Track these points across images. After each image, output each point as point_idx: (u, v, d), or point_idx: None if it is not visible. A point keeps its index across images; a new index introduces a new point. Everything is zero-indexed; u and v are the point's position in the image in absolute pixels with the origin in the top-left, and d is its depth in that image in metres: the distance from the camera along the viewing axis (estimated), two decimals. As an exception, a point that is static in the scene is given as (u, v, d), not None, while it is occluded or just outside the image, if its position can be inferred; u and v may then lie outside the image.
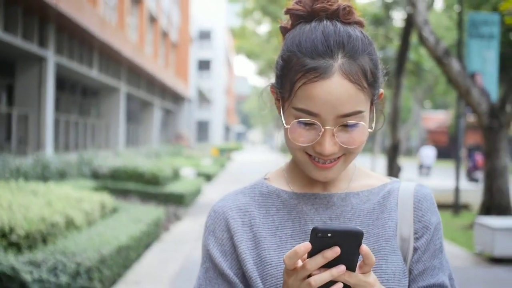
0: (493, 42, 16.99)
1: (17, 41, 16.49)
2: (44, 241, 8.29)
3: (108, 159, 19.13)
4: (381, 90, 1.62)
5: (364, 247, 1.32)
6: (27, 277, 7.05)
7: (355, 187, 1.69)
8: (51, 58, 18.86)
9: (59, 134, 22.39)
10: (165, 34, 44.76)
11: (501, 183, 14.29)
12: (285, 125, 1.55)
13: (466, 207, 19.15)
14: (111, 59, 26.67)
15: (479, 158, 29.76)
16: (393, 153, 22.39)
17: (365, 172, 1.75)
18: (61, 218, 8.86)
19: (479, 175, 28.83)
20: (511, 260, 10.97)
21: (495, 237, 10.98)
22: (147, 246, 11.47)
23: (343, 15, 1.56)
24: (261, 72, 70.00)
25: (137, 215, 11.75)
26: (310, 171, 1.57)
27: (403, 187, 1.70)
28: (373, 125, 1.59)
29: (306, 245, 1.30)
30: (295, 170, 1.71)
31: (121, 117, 29.74)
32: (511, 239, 11.01)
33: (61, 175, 15.95)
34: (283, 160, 64.26)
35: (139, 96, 34.90)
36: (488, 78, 16.50)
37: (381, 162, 31.66)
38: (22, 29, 17.06)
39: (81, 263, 7.46)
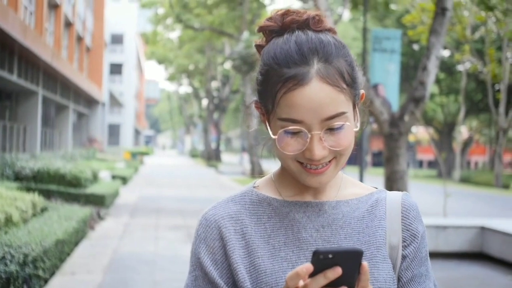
0: (394, 55, 18.29)
1: None
2: (-13, 235, 9.07)
3: (29, 162, 19.60)
4: (362, 91, 1.63)
5: (365, 266, 1.34)
6: (-20, 266, 7.89)
7: (344, 195, 1.70)
8: (-25, 64, 19.26)
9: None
10: (79, 39, 44.96)
11: (401, 185, 15.50)
12: (272, 135, 1.56)
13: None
14: (30, 63, 27.04)
15: None
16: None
17: (351, 181, 1.77)
18: (1, 215, 9.64)
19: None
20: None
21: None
22: (76, 242, 12.28)
23: (314, 24, 1.58)
24: (172, 78, 70.63)
25: (66, 214, 12.53)
26: (303, 178, 1.57)
27: (391, 196, 1.73)
28: (358, 124, 1.59)
29: (308, 267, 1.30)
30: (285, 178, 1.71)
31: (38, 121, 30.12)
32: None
33: (-15, 177, 16.50)
34: (193, 163, 64.86)
35: (55, 100, 35.17)
36: (390, 89, 17.79)
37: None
38: None
39: (28, 254, 8.31)
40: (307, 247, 1.61)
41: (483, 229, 12.34)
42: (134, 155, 53.89)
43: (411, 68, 45.53)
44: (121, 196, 22.90)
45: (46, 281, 9.08)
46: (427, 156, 77.14)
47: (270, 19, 1.63)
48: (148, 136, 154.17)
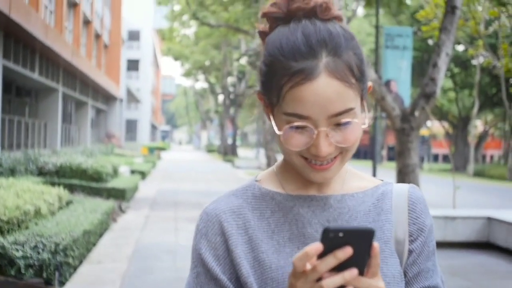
0: (406, 52, 18.75)
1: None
2: (19, 226, 9.65)
3: (51, 157, 20.14)
4: (369, 83, 1.54)
5: (376, 247, 1.25)
6: (16, 254, 8.48)
7: (349, 189, 1.64)
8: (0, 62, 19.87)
9: (4, 133, 23.37)
10: (98, 36, 45.64)
11: (412, 178, 15.91)
12: (277, 131, 1.48)
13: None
14: (51, 61, 27.67)
15: None
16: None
17: (356, 174, 1.70)
18: (31, 207, 10.23)
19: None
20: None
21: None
22: (101, 234, 12.87)
23: (321, 12, 1.48)
24: (188, 73, 71.03)
25: (91, 207, 13.12)
26: (307, 174, 1.51)
27: (397, 189, 1.66)
28: (366, 120, 1.50)
29: (317, 246, 1.21)
30: (288, 171, 1.63)
31: (58, 117, 30.80)
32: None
33: (12, 172, 17.06)
34: (209, 158, 65.25)
35: (74, 96, 35.85)
36: (402, 85, 18.26)
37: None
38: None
39: (59, 243, 8.88)
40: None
41: (489, 219, 12.84)
42: (151, 150, 54.57)
43: (426, 63, 45.83)
44: (141, 190, 23.53)
45: (75, 268, 9.68)
46: (442, 150, 77.26)
47: (274, 4, 1.54)
48: (164, 131, 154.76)
